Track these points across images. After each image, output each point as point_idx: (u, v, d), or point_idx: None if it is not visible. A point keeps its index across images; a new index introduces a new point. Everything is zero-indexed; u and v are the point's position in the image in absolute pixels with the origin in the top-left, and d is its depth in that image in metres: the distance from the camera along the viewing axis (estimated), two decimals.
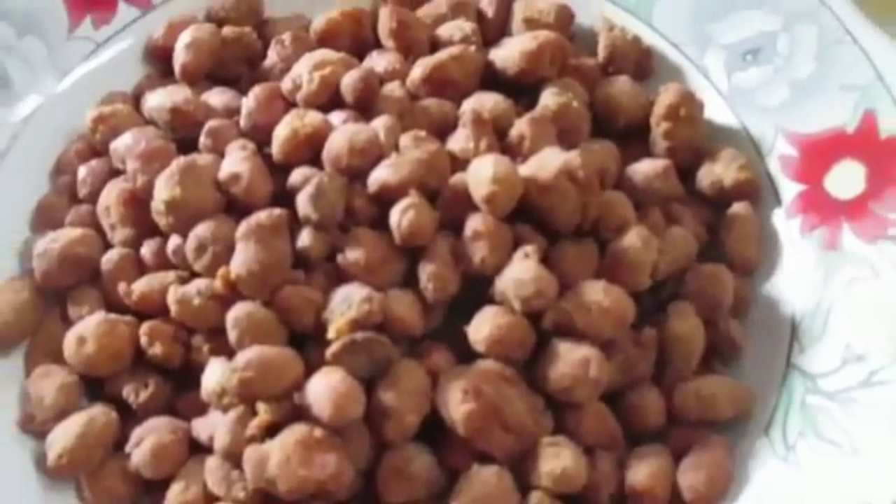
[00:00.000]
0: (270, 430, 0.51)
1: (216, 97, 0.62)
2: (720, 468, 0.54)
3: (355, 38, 0.65)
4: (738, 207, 0.60)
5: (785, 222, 0.60)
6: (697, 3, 0.65)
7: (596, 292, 0.54)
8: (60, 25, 0.65)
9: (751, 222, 0.60)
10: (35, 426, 0.55)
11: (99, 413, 0.54)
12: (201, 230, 0.54)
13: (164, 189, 0.55)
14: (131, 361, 0.56)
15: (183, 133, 0.59)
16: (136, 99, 0.65)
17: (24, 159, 0.63)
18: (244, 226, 0.53)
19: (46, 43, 0.65)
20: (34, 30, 0.64)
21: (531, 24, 0.64)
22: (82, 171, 0.60)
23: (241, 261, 0.53)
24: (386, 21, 0.63)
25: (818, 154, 0.60)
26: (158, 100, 0.60)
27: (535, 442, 0.53)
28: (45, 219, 0.61)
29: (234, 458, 0.52)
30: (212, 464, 0.53)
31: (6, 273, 0.60)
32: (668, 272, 0.57)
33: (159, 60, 0.67)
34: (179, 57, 0.63)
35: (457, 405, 0.51)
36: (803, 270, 0.59)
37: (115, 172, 0.60)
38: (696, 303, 0.57)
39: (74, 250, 0.57)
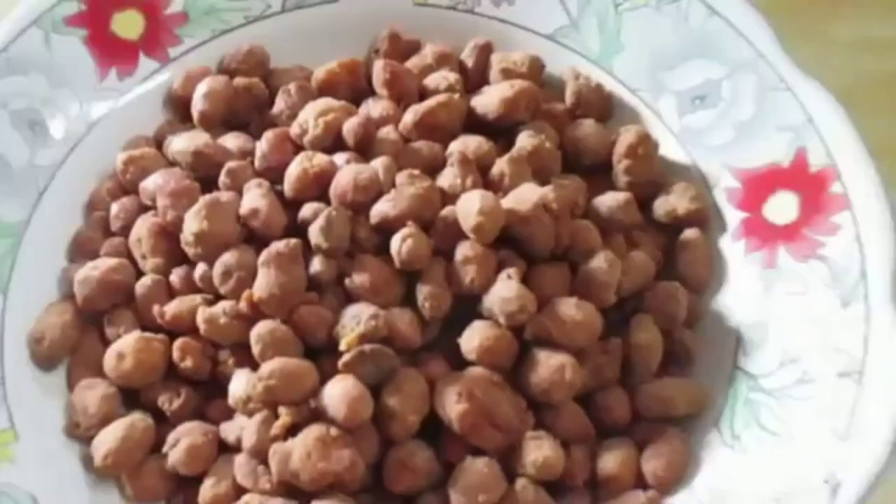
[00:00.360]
0: (291, 431, 0.55)
1: (231, 141, 0.65)
2: (678, 456, 0.57)
3: (352, 87, 0.68)
4: (689, 233, 0.63)
5: (730, 245, 0.63)
6: (652, 54, 0.67)
7: (569, 308, 0.57)
8: (89, 77, 0.67)
9: (701, 246, 0.63)
10: (80, 432, 0.58)
11: (138, 419, 0.58)
12: (227, 258, 0.58)
13: (192, 223, 0.58)
14: (164, 374, 0.59)
15: (204, 173, 0.62)
16: (157, 142, 0.68)
17: (59, 197, 0.64)
18: (265, 254, 0.57)
19: (77, 93, 0.66)
20: (66, 82, 0.66)
21: (507, 73, 0.67)
22: (115, 208, 0.63)
23: (263, 284, 0.56)
24: (380, 72, 0.66)
25: (758, 186, 0.63)
26: (182, 144, 0.63)
27: (520, 437, 0.56)
28: (80, 250, 0.64)
29: (260, 455, 0.55)
30: (240, 460, 0.56)
31: (48, 298, 0.62)
32: (630, 290, 0.60)
33: (177, 107, 0.69)
34: (197, 105, 0.66)
35: (452, 406, 0.55)
36: (746, 287, 0.62)
37: (144, 208, 0.63)
38: (654, 316, 0.60)
39: (111, 277, 0.60)
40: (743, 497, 0.55)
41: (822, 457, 0.54)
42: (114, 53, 0.68)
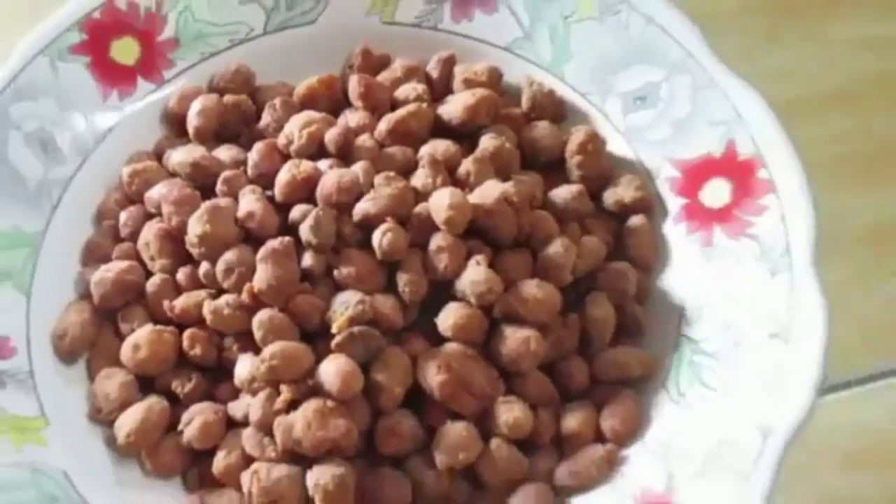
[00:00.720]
0: (292, 405, 0.58)
1: (224, 152, 0.68)
2: (631, 414, 0.61)
3: (330, 99, 0.70)
4: (636, 219, 0.66)
5: (672, 228, 0.66)
6: (598, 61, 0.70)
7: (531, 288, 0.60)
8: (93, 99, 0.70)
9: (647, 230, 0.66)
10: (102, 417, 0.62)
11: (154, 402, 0.61)
12: (228, 257, 0.61)
13: (196, 226, 0.61)
14: (176, 361, 0.62)
15: (202, 182, 0.65)
16: (157, 155, 0.70)
17: (71, 208, 0.67)
18: (262, 251, 0.60)
19: (83, 114, 0.69)
20: (73, 104, 0.69)
21: (469, 83, 0.70)
22: (123, 216, 0.66)
23: (262, 277, 0.59)
24: (355, 86, 0.68)
25: (694, 175, 0.66)
26: (181, 156, 0.66)
27: (493, 402, 0.59)
28: (93, 255, 0.67)
29: (265, 428, 0.58)
30: (248, 433, 0.59)
31: (66, 299, 0.65)
32: (584, 270, 0.63)
33: (173, 123, 0.71)
34: (192, 121, 0.69)
35: (433, 377, 0.58)
36: (687, 264, 0.65)
37: (149, 216, 0.66)
38: (607, 293, 0.63)
39: (124, 278, 0.64)
40: (688, 445, 0.58)
41: (756, 408, 0.57)
42: (114, 77, 0.71)
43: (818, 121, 0.71)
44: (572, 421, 0.61)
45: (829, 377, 0.63)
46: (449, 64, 0.72)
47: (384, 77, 0.72)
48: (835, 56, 0.80)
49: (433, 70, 0.72)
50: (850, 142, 0.74)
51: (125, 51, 0.72)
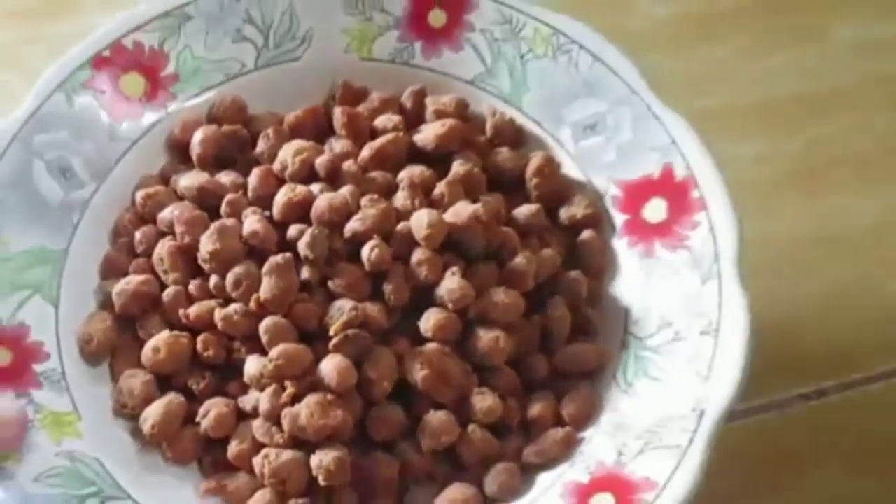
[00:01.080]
0: (296, 398, 0.62)
1: (224, 177, 0.72)
2: (587, 402, 0.65)
3: (315, 128, 0.74)
4: (587, 233, 0.70)
5: (618, 241, 0.70)
6: (552, 94, 0.74)
7: (499, 294, 0.64)
8: (105, 129, 0.74)
9: (597, 242, 0.70)
10: (127, 411, 0.66)
11: (173, 398, 0.65)
12: (237, 270, 0.65)
13: (207, 244, 0.66)
14: (190, 362, 0.67)
15: (207, 204, 0.69)
16: (163, 179, 0.74)
17: (90, 227, 0.72)
18: (267, 266, 0.64)
19: (97, 142, 0.73)
20: (87, 134, 0.73)
21: (439, 113, 0.74)
22: (138, 235, 0.70)
23: (267, 288, 0.64)
24: (339, 117, 0.73)
25: (636, 194, 0.70)
26: (187, 181, 0.70)
27: (468, 392, 0.64)
28: (111, 269, 0.71)
29: (273, 418, 0.63)
30: (257, 424, 0.63)
31: (88, 309, 0.69)
32: (543, 278, 0.67)
33: (176, 150, 0.75)
34: (195, 149, 0.73)
35: (416, 372, 0.63)
36: (632, 272, 0.69)
37: (162, 234, 0.70)
38: (564, 297, 0.67)
39: (142, 289, 0.68)
40: (635, 426, 0.63)
41: (691, 393, 0.61)
42: (123, 109, 0.75)
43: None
44: (536, 408, 0.66)
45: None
46: (420, 96, 0.76)
47: (363, 108, 0.75)
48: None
49: (406, 101, 0.76)
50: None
51: (132, 85, 0.76)
